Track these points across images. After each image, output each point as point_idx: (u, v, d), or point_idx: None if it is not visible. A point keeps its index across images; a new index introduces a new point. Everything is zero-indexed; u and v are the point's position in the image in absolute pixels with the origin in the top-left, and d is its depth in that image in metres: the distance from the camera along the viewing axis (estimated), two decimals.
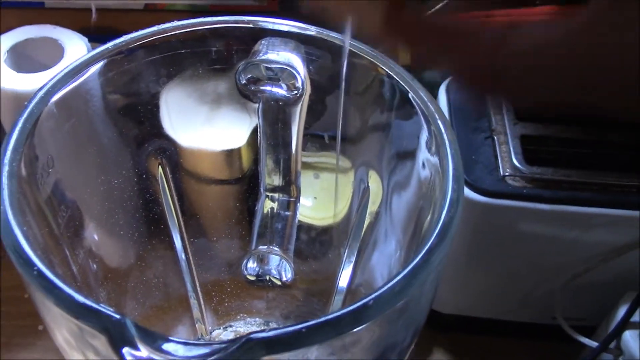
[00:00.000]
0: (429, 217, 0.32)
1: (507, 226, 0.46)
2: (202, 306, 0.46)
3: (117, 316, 0.23)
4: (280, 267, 0.41)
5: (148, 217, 0.42)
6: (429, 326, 0.54)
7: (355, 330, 0.25)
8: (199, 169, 0.44)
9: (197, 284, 0.45)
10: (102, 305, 0.24)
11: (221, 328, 0.49)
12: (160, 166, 0.41)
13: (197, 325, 0.47)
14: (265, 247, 0.40)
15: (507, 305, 0.52)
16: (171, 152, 0.41)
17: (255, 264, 0.42)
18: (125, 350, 0.22)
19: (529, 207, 0.44)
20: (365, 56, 0.35)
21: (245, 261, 0.42)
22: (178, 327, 0.46)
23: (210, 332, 0.48)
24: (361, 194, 0.40)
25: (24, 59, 0.51)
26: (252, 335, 0.23)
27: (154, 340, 0.23)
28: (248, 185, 0.44)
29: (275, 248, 0.40)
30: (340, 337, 0.25)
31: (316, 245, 0.44)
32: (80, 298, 0.24)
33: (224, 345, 0.23)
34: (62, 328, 0.26)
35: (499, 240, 0.47)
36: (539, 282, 0.49)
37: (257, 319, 0.49)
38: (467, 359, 0.53)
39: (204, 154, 0.44)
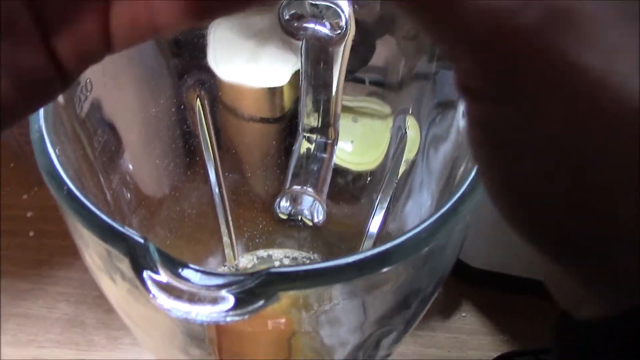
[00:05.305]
0: (462, 168, 0.31)
1: None
2: (234, 241, 0.47)
3: (141, 240, 0.23)
4: (312, 208, 0.41)
5: (184, 148, 0.42)
6: (457, 277, 0.54)
7: (376, 273, 0.25)
8: (239, 105, 0.44)
9: (230, 218, 0.46)
10: (127, 229, 0.24)
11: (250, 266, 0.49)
12: (198, 98, 0.41)
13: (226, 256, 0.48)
14: (299, 187, 0.40)
15: (538, 264, 0.51)
16: (211, 84, 0.41)
17: (288, 203, 0.42)
18: (146, 273, 0.23)
19: None
20: None
21: (278, 200, 0.42)
22: (208, 258, 0.47)
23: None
24: (398, 141, 0.40)
25: None
26: (272, 270, 0.23)
27: (175, 266, 0.23)
28: (287, 124, 0.44)
29: (309, 189, 0.40)
30: (361, 278, 0.25)
31: (350, 190, 0.44)
32: (107, 220, 0.24)
33: (242, 277, 0.23)
34: (91, 250, 0.27)
35: None
36: None
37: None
38: (497, 314, 0.53)
39: (245, 90, 0.43)
